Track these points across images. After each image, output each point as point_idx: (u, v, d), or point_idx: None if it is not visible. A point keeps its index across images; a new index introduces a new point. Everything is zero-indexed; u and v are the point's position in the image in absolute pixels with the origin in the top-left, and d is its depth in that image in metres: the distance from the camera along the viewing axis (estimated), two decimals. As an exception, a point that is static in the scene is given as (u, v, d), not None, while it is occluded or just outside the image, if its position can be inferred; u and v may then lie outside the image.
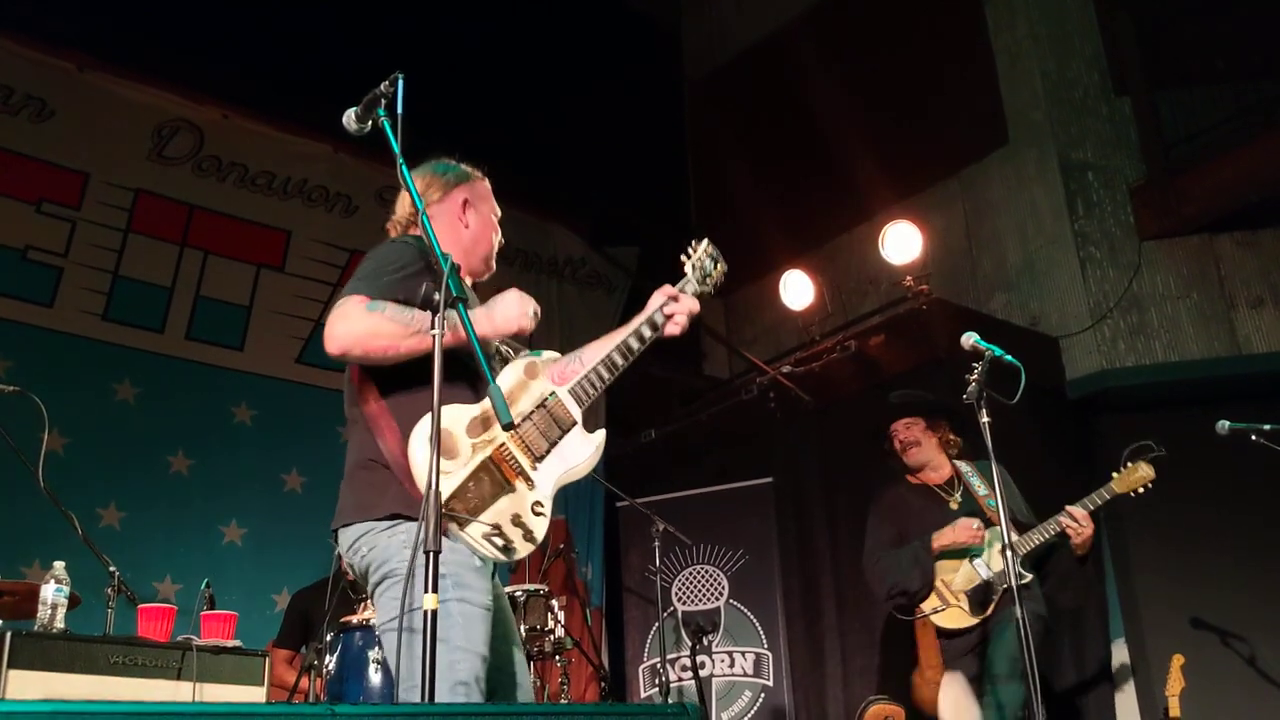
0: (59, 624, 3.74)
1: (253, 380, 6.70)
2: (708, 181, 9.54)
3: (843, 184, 7.89)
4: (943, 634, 4.70)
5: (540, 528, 2.66)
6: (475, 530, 2.57)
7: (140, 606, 4.12)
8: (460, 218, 3.06)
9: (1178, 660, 5.16)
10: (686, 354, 9.14)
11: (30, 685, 3.49)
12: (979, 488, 4.87)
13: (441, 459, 2.52)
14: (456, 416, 2.64)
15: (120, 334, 6.34)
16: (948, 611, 4.69)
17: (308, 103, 6.50)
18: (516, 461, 2.70)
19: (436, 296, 2.44)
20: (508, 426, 2.37)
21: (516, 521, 2.61)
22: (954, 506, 4.86)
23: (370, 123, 2.73)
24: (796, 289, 7.34)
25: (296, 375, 6.81)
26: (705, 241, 3.22)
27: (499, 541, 2.58)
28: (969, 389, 3.89)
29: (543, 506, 2.68)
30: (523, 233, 8.22)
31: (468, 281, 2.99)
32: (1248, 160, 6.31)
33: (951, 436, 5.02)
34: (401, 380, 2.68)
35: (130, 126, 6.58)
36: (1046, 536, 4.58)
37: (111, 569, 4.19)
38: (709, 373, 9.00)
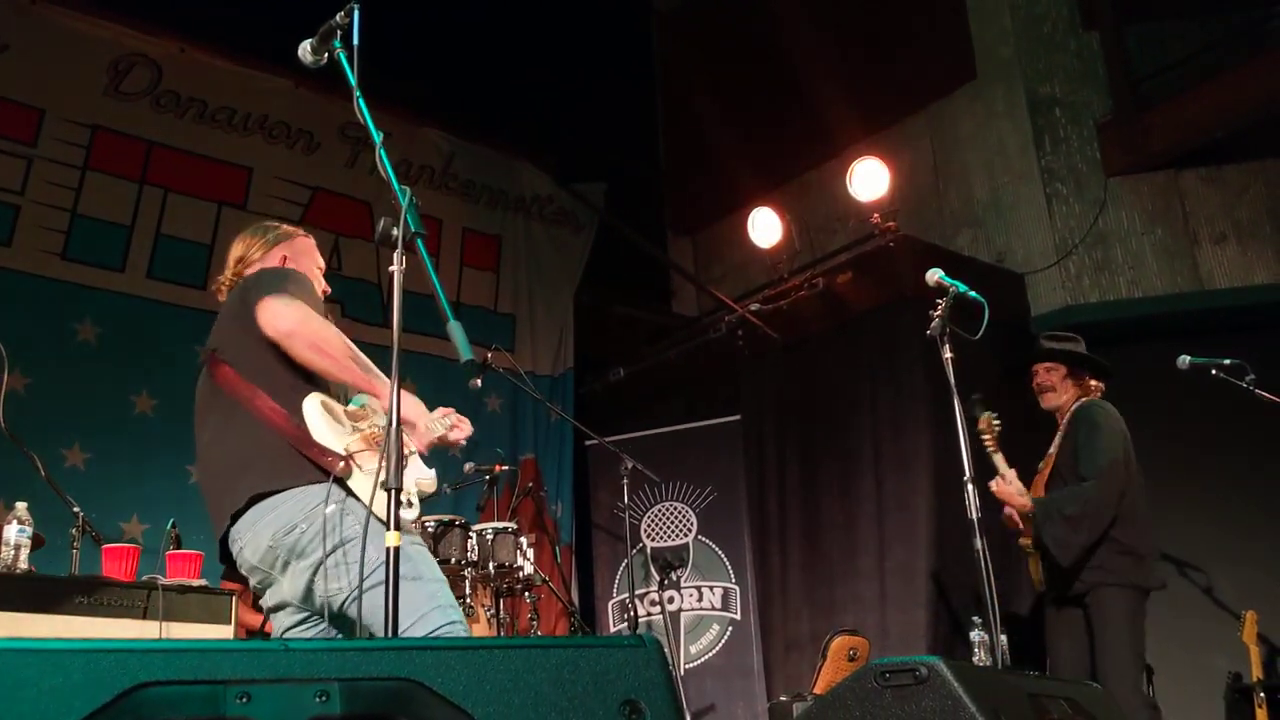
0: (23, 564, 3.73)
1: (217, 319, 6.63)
2: (676, 118, 9.46)
3: (811, 120, 7.84)
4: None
5: (409, 516, 2.75)
6: (369, 481, 2.62)
7: (105, 546, 4.10)
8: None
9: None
10: (655, 292, 9.13)
11: (-6, 625, 3.48)
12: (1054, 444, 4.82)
13: (335, 423, 2.75)
14: (331, 401, 2.86)
15: (80, 273, 6.25)
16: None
17: (268, 36, 6.37)
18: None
19: (395, 231, 2.40)
20: (468, 363, 2.35)
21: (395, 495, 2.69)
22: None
23: (326, 55, 2.68)
24: (765, 227, 7.32)
25: (261, 315, 6.74)
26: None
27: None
28: (933, 325, 3.91)
29: (412, 500, 2.79)
30: (489, 170, 8.14)
31: None
32: (1213, 96, 6.32)
33: (1094, 383, 4.86)
34: (280, 380, 2.83)
35: (85, 61, 6.43)
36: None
37: (75, 509, 4.16)
38: (677, 311, 9.01)
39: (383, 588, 2.51)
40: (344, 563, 2.67)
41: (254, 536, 2.77)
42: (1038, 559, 4.71)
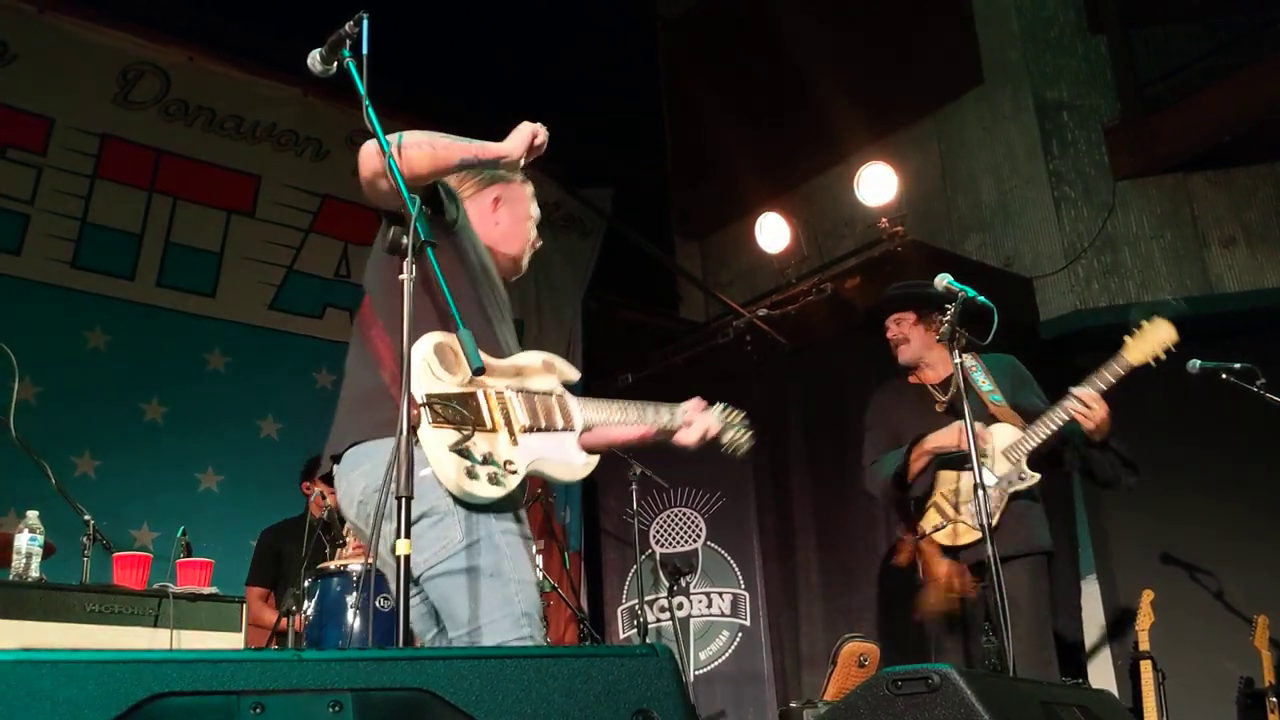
0: (34, 573, 3.74)
1: (225, 326, 6.67)
2: (682, 123, 9.46)
3: (818, 125, 7.83)
4: (947, 553, 4.27)
5: (509, 484, 2.50)
6: (446, 437, 2.43)
7: (115, 555, 4.11)
8: (492, 213, 3.01)
9: (1148, 595, 5.24)
10: (663, 297, 9.13)
11: (6, 634, 3.49)
12: (982, 383, 4.34)
13: (441, 369, 2.51)
14: (456, 345, 2.54)
15: (90, 281, 6.29)
16: (950, 528, 4.26)
17: (276, 44, 6.39)
18: (508, 413, 2.61)
19: (405, 240, 2.40)
20: (478, 371, 2.34)
21: (487, 459, 2.48)
22: (938, 409, 4.40)
23: (335, 64, 2.68)
24: (772, 232, 7.32)
25: (269, 321, 6.78)
26: (742, 415, 3.22)
27: (465, 463, 2.43)
28: (941, 330, 3.90)
29: (514, 467, 2.53)
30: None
31: (498, 280, 2.90)
32: (1220, 98, 6.31)
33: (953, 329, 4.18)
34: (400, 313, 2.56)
35: (94, 70, 6.46)
36: (1053, 428, 4.12)
37: (86, 517, 4.17)
38: (685, 316, 9.00)
39: (458, 577, 2.40)
40: (428, 534, 2.44)
41: (348, 486, 2.59)
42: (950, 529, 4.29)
